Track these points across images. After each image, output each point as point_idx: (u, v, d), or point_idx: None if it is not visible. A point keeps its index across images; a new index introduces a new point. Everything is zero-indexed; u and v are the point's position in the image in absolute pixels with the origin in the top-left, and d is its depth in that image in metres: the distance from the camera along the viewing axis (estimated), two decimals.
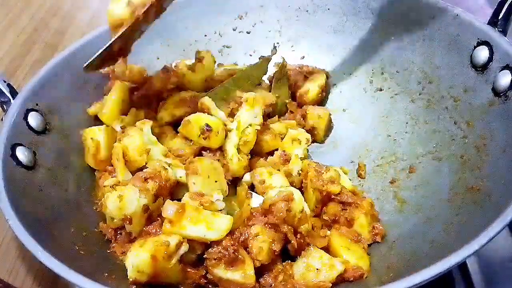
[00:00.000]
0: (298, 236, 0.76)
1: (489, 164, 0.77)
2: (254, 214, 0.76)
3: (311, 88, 1.05)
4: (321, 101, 1.08)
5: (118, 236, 0.81)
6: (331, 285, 0.71)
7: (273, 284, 0.74)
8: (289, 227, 0.75)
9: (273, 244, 0.73)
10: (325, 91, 1.08)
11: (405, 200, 0.87)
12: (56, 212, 0.80)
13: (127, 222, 0.76)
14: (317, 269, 0.72)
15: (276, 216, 0.74)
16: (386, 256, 0.77)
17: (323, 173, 0.83)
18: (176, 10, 1.12)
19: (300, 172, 0.87)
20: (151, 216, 0.78)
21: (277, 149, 0.93)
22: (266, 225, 0.74)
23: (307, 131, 0.98)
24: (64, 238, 0.76)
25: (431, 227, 0.77)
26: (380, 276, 0.73)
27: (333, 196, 0.82)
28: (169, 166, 0.84)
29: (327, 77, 1.09)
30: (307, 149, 0.95)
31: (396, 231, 0.82)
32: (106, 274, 0.73)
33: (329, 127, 1.05)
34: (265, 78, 1.09)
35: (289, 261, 0.76)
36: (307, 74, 1.08)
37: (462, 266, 0.83)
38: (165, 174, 0.81)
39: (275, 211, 0.74)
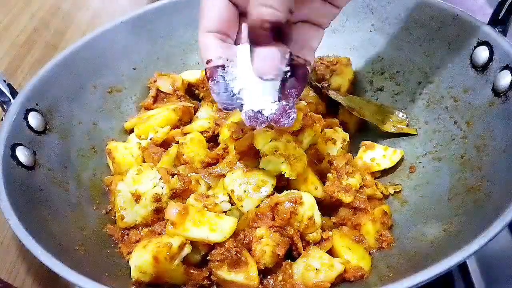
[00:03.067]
0: (303, 243, 0.76)
1: (489, 164, 0.77)
2: (260, 216, 0.76)
3: (342, 83, 1.02)
4: (351, 93, 1.05)
5: (125, 237, 0.81)
6: (330, 285, 0.71)
7: (273, 284, 0.74)
8: (295, 230, 0.74)
9: (277, 248, 0.72)
10: (354, 82, 1.06)
11: (405, 200, 0.87)
12: (56, 212, 0.80)
13: (135, 198, 0.76)
14: (316, 269, 0.72)
15: (281, 217, 0.74)
16: (387, 256, 0.77)
17: (343, 178, 0.82)
18: (176, 10, 1.12)
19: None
20: (160, 211, 0.78)
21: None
22: (272, 228, 0.74)
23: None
24: (64, 238, 0.76)
25: (431, 227, 0.77)
26: (380, 276, 0.73)
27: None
28: (207, 186, 0.84)
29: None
30: (349, 146, 0.92)
31: (396, 231, 0.82)
32: (107, 274, 0.73)
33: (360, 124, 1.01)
34: None
35: (289, 260, 0.76)
36: (332, 66, 1.06)
37: (462, 266, 0.83)
38: (194, 184, 0.81)
39: (280, 211, 0.74)
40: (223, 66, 0.65)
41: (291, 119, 0.68)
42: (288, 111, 0.68)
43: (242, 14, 0.67)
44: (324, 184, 0.83)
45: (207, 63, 0.65)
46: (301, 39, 0.70)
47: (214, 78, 0.65)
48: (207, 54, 0.65)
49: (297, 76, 0.66)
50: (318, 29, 0.71)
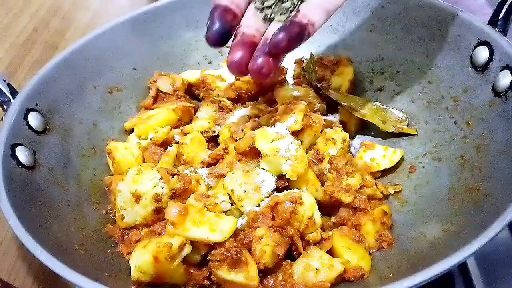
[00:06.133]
0: (303, 243, 0.76)
1: (489, 164, 0.77)
2: (260, 216, 0.76)
3: (342, 83, 1.02)
4: (351, 93, 1.04)
5: (125, 237, 0.81)
6: (330, 285, 0.71)
7: (272, 284, 0.74)
8: (295, 230, 0.74)
9: (277, 248, 0.72)
10: (354, 82, 1.06)
11: (405, 200, 0.87)
12: (56, 212, 0.80)
13: (135, 199, 0.77)
14: (316, 269, 0.72)
15: (280, 216, 0.74)
16: (387, 256, 0.77)
17: (343, 178, 0.82)
18: (175, 10, 1.12)
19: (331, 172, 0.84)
20: (160, 212, 0.78)
21: None
22: (272, 228, 0.74)
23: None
24: (64, 238, 0.76)
25: (431, 227, 0.77)
26: (380, 276, 0.73)
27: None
28: (207, 186, 0.84)
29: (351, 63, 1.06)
30: (349, 146, 0.91)
31: (396, 231, 0.82)
32: (106, 274, 0.73)
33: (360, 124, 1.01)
34: (289, 77, 1.09)
35: (289, 260, 0.76)
36: (332, 66, 1.06)
37: (462, 266, 0.83)
38: (194, 184, 0.81)
39: (280, 210, 0.74)
40: (224, 8, 0.70)
41: (258, 66, 0.69)
42: (258, 56, 0.69)
43: None
44: (324, 184, 0.83)
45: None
46: None
47: (213, 14, 0.70)
48: None
49: (289, 31, 0.66)
50: None
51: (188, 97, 1.08)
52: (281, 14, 0.72)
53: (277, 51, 0.68)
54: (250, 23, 0.73)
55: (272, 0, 0.73)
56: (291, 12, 0.72)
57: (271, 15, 0.73)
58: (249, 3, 0.74)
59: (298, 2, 0.72)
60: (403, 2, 0.99)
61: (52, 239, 0.73)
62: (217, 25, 0.69)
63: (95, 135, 0.99)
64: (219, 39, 0.70)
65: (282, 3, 0.73)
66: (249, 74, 0.71)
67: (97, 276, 0.67)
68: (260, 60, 0.69)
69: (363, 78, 1.07)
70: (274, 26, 0.71)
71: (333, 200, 0.81)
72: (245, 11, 0.74)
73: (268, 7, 0.73)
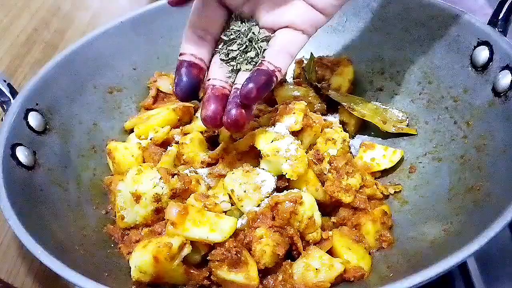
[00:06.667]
0: (303, 243, 0.76)
1: (489, 164, 0.77)
2: (260, 216, 0.76)
3: (342, 83, 1.02)
4: (351, 93, 1.04)
5: (125, 237, 0.81)
6: (330, 285, 0.71)
7: (272, 284, 0.74)
8: (295, 230, 0.74)
9: (277, 248, 0.72)
10: (354, 82, 1.06)
11: (405, 200, 0.87)
12: (56, 212, 0.80)
13: (135, 199, 0.77)
14: (316, 269, 0.72)
15: (280, 216, 0.74)
16: (387, 256, 0.77)
17: (343, 178, 0.82)
18: (176, 10, 1.12)
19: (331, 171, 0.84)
20: (160, 212, 0.78)
21: None
22: (272, 228, 0.74)
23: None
24: (64, 238, 0.76)
25: (431, 227, 0.77)
26: (380, 276, 0.73)
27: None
28: (207, 186, 0.84)
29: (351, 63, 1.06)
30: (349, 146, 0.92)
31: (396, 231, 0.82)
32: (106, 274, 0.73)
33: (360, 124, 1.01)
34: (288, 77, 1.09)
35: (289, 260, 0.76)
36: (332, 66, 1.06)
37: (462, 266, 0.83)
38: (194, 184, 0.81)
39: (280, 210, 0.74)
40: (190, 63, 0.71)
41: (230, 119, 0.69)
42: (230, 109, 0.69)
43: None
44: (324, 184, 0.83)
45: (180, 55, 0.72)
46: (279, 44, 0.72)
47: (179, 70, 0.71)
48: (183, 47, 0.72)
49: (257, 81, 0.68)
50: (300, 35, 0.72)
51: None
52: (247, 63, 0.74)
53: (248, 102, 0.69)
54: (218, 76, 0.74)
55: (236, 51, 0.74)
56: (256, 60, 0.73)
57: (237, 65, 0.74)
58: (213, 55, 0.75)
59: (261, 50, 0.73)
60: (403, 2, 0.99)
61: (52, 239, 0.73)
62: (184, 81, 0.71)
63: (95, 135, 0.99)
64: (188, 94, 0.72)
65: (246, 53, 0.74)
66: (224, 127, 0.72)
67: (97, 276, 0.67)
68: (233, 112, 0.69)
69: (363, 78, 1.07)
70: (242, 75, 0.72)
71: (333, 200, 0.81)
72: (210, 62, 0.75)
73: (233, 58, 0.74)
